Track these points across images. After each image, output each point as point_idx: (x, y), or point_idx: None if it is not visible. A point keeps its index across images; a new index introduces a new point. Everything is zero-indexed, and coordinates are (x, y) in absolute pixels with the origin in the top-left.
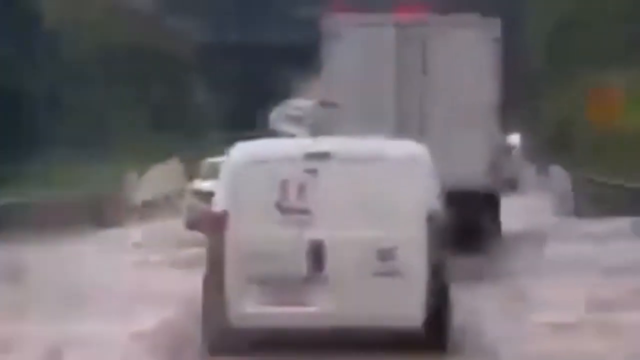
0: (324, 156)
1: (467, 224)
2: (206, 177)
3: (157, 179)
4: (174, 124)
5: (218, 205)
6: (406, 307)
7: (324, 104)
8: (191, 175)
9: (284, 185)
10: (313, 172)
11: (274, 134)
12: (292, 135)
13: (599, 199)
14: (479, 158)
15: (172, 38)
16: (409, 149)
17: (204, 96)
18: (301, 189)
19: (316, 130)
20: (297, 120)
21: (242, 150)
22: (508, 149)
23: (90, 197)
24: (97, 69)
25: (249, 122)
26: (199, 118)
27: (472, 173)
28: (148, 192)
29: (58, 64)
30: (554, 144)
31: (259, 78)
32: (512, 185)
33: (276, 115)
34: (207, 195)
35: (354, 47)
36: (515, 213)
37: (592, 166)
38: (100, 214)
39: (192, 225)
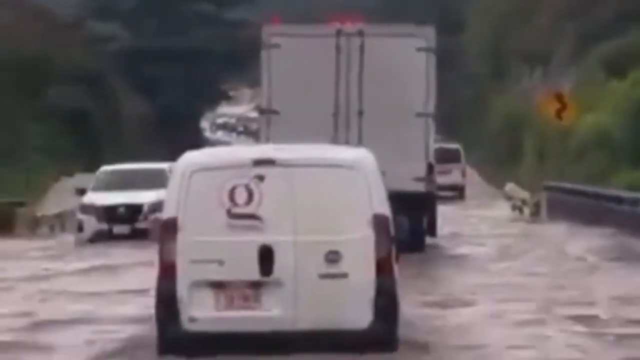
0: (271, 162)
1: (402, 226)
2: (99, 188)
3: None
4: (95, 131)
5: (168, 212)
6: (354, 309)
7: (263, 111)
8: (83, 189)
9: (232, 191)
10: (261, 178)
11: (206, 141)
12: (225, 143)
13: (559, 205)
14: (415, 163)
15: (96, 44)
16: (354, 154)
17: (129, 103)
18: (249, 195)
19: (252, 137)
20: (229, 127)
21: (191, 158)
22: (455, 154)
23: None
24: (9, 76)
25: (177, 129)
26: (122, 125)
27: (409, 177)
28: (55, 204)
29: None
30: (501, 150)
31: (188, 84)
32: (460, 192)
33: (208, 124)
34: (97, 209)
35: (293, 57)
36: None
37: (542, 171)
38: (9, 223)
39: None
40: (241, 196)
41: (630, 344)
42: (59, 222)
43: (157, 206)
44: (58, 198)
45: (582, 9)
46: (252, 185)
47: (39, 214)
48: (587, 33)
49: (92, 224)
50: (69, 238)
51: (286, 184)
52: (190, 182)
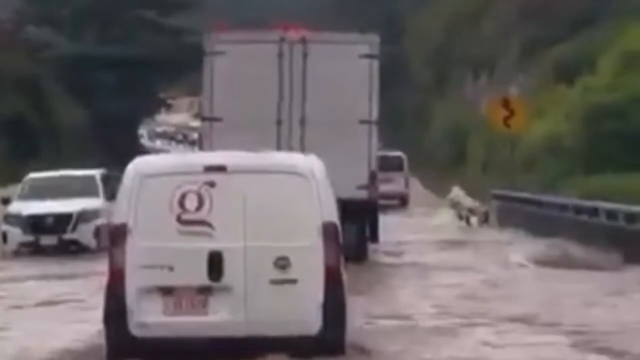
0: (221, 169)
1: (346, 233)
2: (25, 197)
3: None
4: (31, 138)
5: (117, 217)
6: (303, 315)
7: (205, 118)
8: (7, 198)
9: (183, 197)
10: (211, 184)
11: (144, 150)
12: (164, 152)
13: (509, 213)
14: (358, 170)
15: (34, 50)
16: (304, 161)
17: (66, 110)
18: (199, 201)
19: (191, 145)
20: (168, 136)
21: (141, 164)
22: (398, 162)
23: None
24: None
25: (115, 137)
26: (59, 132)
27: (352, 185)
28: None
29: None
30: (444, 159)
31: (126, 92)
32: (403, 200)
33: (146, 132)
34: (22, 219)
35: (235, 63)
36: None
37: (489, 180)
38: None
39: None
40: (192, 202)
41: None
42: None
43: (86, 215)
44: None
45: (529, 14)
46: (203, 192)
47: None
48: (534, 39)
49: (17, 235)
50: None
51: (237, 190)
52: (140, 187)
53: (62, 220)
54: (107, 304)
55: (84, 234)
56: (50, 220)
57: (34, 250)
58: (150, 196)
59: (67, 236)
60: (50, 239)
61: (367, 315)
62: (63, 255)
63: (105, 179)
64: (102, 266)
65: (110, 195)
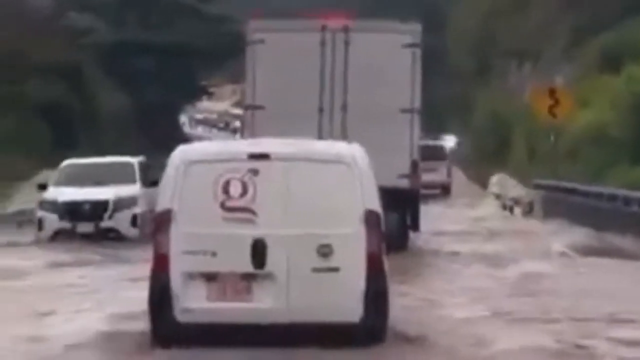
0: (265, 157)
1: (387, 222)
2: (61, 183)
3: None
4: (72, 124)
5: (162, 203)
6: (345, 302)
7: (248, 107)
8: (44, 184)
9: (226, 184)
10: (254, 172)
11: (186, 137)
12: (206, 139)
13: (553, 203)
14: (400, 159)
15: (74, 37)
16: (347, 149)
17: (107, 97)
18: (243, 188)
19: (232, 133)
20: (209, 123)
21: (186, 150)
22: (440, 152)
23: None
24: None
25: (156, 124)
26: (100, 119)
27: (393, 173)
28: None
29: None
30: (487, 148)
31: (168, 78)
32: (445, 190)
33: (187, 119)
34: (59, 206)
35: (277, 52)
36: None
37: (533, 170)
38: None
39: None
40: (235, 189)
41: None
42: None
43: (124, 202)
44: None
45: (575, 2)
46: (247, 179)
47: (8, 209)
48: (581, 27)
49: (53, 222)
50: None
51: (280, 177)
52: (185, 174)
53: (99, 208)
54: (152, 290)
55: (121, 221)
56: (86, 207)
57: (70, 238)
58: (194, 183)
59: (104, 224)
60: (86, 227)
61: (409, 303)
62: (100, 242)
63: (143, 166)
64: (142, 253)
65: (149, 183)
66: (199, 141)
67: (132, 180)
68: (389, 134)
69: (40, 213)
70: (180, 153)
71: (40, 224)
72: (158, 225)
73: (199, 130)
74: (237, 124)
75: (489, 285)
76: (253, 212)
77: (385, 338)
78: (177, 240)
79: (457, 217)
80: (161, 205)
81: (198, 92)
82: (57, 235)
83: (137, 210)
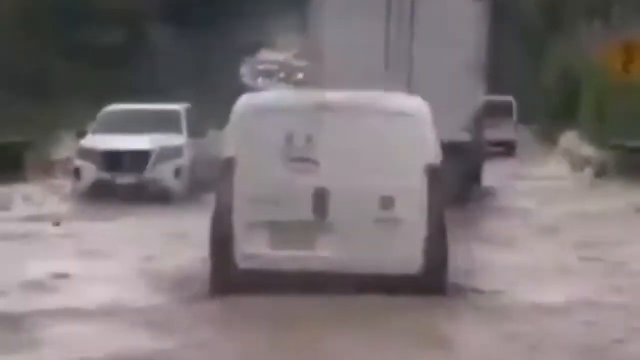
0: (329, 108)
1: (449, 176)
2: (101, 131)
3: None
4: (131, 71)
5: (227, 151)
6: (406, 254)
7: (313, 58)
8: (84, 131)
9: (290, 134)
10: (319, 123)
11: (246, 87)
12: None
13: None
14: (463, 113)
15: None
16: (411, 102)
17: (167, 45)
18: (307, 138)
19: (294, 85)
20: (270, 74)
21: (251, 100)
22: (507, 108)
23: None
24: (42, 15)
25: (217, 74)
26: (159, 68)
27: (456, 127)
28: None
29: None
30: (556, 106)
31: (227, 29)
32: (511, 147)
33: (248, 70)
34: (98, 155)
35: (344, 4)
36: None
37: (604, 129)
38: (18, 167)
39: None
40: (299, 139)
41: None
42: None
43: (168, 153)
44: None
45: None
46: (311, 130)
47: (55, 157)
48: None
49: (92, 172)
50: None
51: (343, 129)
52: (249, 123)
53: (141, 158)
54: (213, 236)
55: (165, 173)
56: (127, 157)
57: (110, 189)
58: (258, 132)
59: (146, 175)
60: (127, 178)
61: (469, 256)
62: (141, 195)
63: (191, 115)
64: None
65: (196, 133)
66: (261, 91)
67: (178, 130)
68: (453, 89)
69: (78, 162)
70: (246, 102)
71: (77, 174)
72: (222, 172)
73: (260, 81)
74: (300, 76)
75: (547, 239)
76: (316, 163)
77: (446, 291)
78: (240, 188)
79: (522, 174)
80: (226, 153)
81: (259, 43)
82: (96, 186)
83: (182, 162)
